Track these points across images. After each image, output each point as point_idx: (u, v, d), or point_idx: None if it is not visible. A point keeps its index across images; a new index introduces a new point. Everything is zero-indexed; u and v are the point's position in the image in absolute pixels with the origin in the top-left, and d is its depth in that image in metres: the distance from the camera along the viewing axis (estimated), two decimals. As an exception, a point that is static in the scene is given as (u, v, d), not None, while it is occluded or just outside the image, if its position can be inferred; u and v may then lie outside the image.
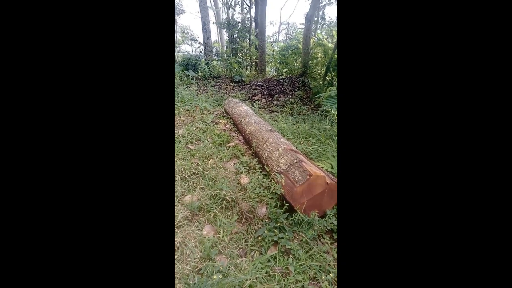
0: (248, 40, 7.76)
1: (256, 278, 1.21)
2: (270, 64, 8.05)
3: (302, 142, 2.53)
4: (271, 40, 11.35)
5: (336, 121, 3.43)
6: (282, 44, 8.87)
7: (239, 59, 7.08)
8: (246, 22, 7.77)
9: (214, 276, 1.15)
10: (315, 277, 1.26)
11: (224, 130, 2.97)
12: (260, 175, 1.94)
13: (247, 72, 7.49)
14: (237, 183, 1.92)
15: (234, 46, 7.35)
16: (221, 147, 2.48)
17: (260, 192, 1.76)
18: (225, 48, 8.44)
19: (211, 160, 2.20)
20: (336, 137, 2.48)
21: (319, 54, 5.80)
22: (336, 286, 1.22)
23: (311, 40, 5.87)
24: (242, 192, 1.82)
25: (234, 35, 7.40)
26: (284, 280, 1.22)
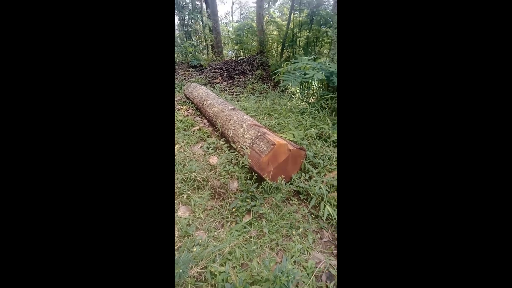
0: (201, 22, 7.42)
1: (235, 245, 1.30)
2: (227, 45, 7.86)
3: (265, 117, 2.63)
4: (225, 21, 10.99)
5: (296, 96, 3.58)
6: (236, 24, 8.66)
7: (194, 43, 6.78)
8: (195, 2, 7.37)
9: (194, 249, 1.22)
10: (287, 233, 1.40)
11: (187, 115, 2.92)
12: (228, 153, 2.00)
13: (204, 56, 7.23)
14: (207, 164, 1.95)
15: (186, 29, 6.99)
16: (186, 132, 2.46)
17: (230, 169, 1.83)
18: (177, 32, 7.99)
19: (177, 146, 2.18)
20: (296, 109, 2.62)
21: (274, 32, 5.83)
22: (306, 239, 1.37)
23: (264, 18, 5.85)
24: (212, 171, 1.86)
25: (185, 17, 7.01)
26: (260, 241, 1.34)
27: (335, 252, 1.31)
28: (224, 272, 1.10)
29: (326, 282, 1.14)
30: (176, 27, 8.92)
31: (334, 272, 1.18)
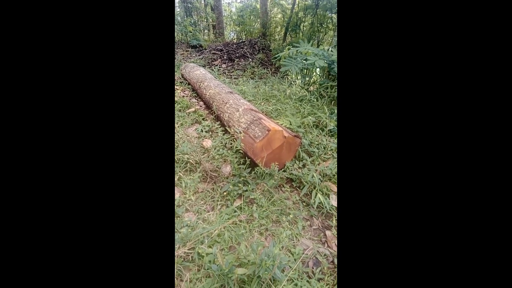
0: (203, 0, 7.13)
1: (224, 227, 1.30)
2: (229, 26, 7.60)
3: (262, 103, 2.57)
4: (228, 1, 10.57)
5: (296, 83, 3.51)
6: (239, 4, 8.34)
7: (194, 21, 6.54)
8: (198, -22, 7.03)
9: (182, 230, 1.21)
10: (277, 219, 1.40)
11: (183, 96, 2.85)
12: (222, 136, 1.96)
13: (205, 36, 7.00)
14: (200, 147, 1.92)
15: (186, 5, 6.70)
16: (180, 113, 2.41)
17: (223, 153, 1.80)
18: (177, 9, 7.67)
19: (171, 127, 2.14)
20: (294, 96, 2.56)
21: (278, 15, 5.63)
22: (295, 225, 1.37)
23: (269, 0, 5.63)
24: (205, 154, 1.84)
25: (186, -6, 6.70)
26: (249, 225, 1.34)
27: (323, 239, 1.32)
28: (212, 253, 1.10)
29: (313, 268, 1.15)
30: (176, 4, 8.55)
31: (321, 258, 1.19)
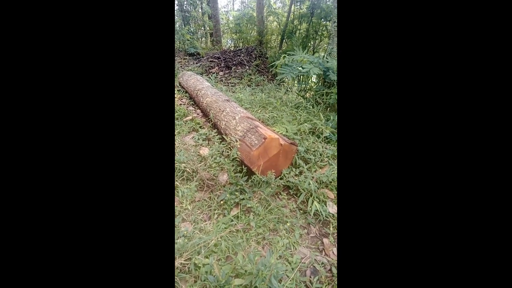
0: (200, 9, 7.24)
1: (221, 237, 1.29)
2: (226, 34, 7.70)
3: (259, 110, 2.59)
4: (225, 10, 10.74)
5: (292, 90, 3.54)
6: (236, 12, 8.47)
7: (192, 29, 6.62)
8: (195, -13, 7.15)
9: (179, 240, 1.20)
10: (274, 228, 1.39)
11: (180, 104, 2.87)
12: (219, 145, 1.97)
13: (202, 44, 7.08)
14: (197, 155, 1.92)
15: (184, 14, 6.80)
16: (178, 121, 2.42)
17: (220, 161, 1.80)
18: (175, 17, 7.77)
19: (168, 135, 2.14)
20: (291, 103, 2.58)
21: (274, 23, 5.72)
22: (293, 234, 1.37)
23: (265, 8, 5.72)
24: (202, 163, 1.84)
25: (184, 3, 6.81)
26: (246, 234, 1.33)
27: (321, 247, 1.31)
28: (208, 264, 1.09)
29: (310, 277, 1.15)
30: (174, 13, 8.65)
31: (319, 267, 1.18)
